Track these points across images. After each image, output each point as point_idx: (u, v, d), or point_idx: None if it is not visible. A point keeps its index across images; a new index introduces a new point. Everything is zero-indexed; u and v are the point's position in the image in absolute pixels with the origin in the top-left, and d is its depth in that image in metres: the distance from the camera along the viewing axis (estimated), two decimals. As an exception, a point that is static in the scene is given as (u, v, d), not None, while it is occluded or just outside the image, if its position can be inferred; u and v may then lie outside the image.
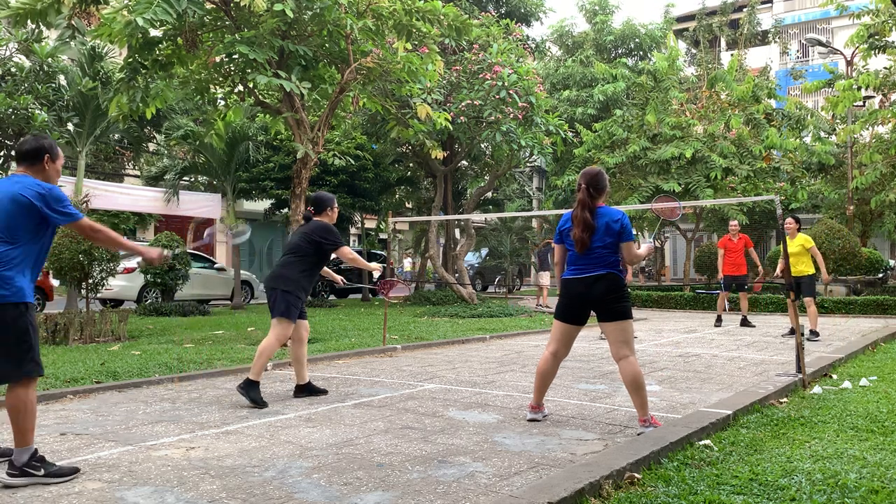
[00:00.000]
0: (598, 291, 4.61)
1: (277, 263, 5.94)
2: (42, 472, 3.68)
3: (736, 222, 12.45)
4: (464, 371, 7.44)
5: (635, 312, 10.58)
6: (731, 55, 23.37)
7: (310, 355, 8.15)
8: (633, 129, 19.49)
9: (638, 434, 4.46)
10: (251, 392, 5.57)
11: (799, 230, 10.37)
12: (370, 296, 22.22)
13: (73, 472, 3.76)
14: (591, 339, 10.22)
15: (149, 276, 14.93)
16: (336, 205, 6.20)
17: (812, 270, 10.20)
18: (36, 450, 3.77)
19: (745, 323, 12.34)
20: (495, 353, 9.03)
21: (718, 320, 12.52)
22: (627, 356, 4.59)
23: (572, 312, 4.78)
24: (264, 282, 5.92)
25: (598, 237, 4.62)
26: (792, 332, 10.72)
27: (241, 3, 7.71)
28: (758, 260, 12.28)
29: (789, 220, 10.28)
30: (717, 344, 9.92)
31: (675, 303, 17.64)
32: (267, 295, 5.88)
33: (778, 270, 10.68)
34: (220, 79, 9.82)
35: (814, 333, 10.29)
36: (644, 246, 5.18)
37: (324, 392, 6.06)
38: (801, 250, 10.10)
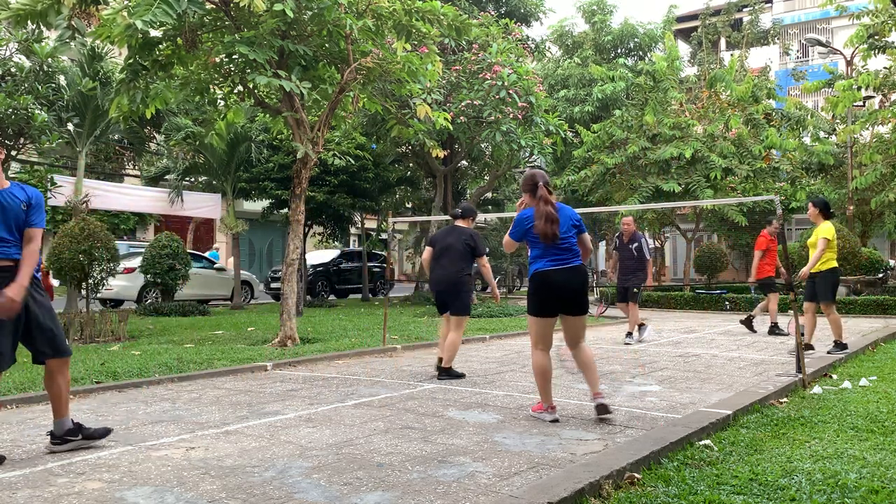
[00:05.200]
0: (576, 282, 4.85)
1: (448, 269, 6.67)
2: None
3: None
4: (464, 371, 7.44)
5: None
6: (732, 55, 23.35)
7: (309, 355, 8.18)
8: (633, 129, 19.49)
9: (596, 405, 4.90)
10: (451, 374, 6.70)
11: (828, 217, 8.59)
12: (370, 295, 22.23)
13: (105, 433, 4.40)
14: (590, 339, 10.20)
15: (149, 277, 14.93)
16: (477, 216, 7.08)
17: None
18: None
19: (773, 330, 10.71)
20: (495, 353, 9.02)
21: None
22: (582, 342, 5.02)
23: (549, 304, 4.90)
24: (440, 285, 6.74)
25: (564, 229, 4.89)
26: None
27: (241, 4, 7.70)
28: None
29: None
30: (717, 344, 9.92)
31: (675, 303, 17.65)
32: (441, 295, 6.84)
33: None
34: (220, 79, 9.81)
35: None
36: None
37: (461, 376, 6.82)
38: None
